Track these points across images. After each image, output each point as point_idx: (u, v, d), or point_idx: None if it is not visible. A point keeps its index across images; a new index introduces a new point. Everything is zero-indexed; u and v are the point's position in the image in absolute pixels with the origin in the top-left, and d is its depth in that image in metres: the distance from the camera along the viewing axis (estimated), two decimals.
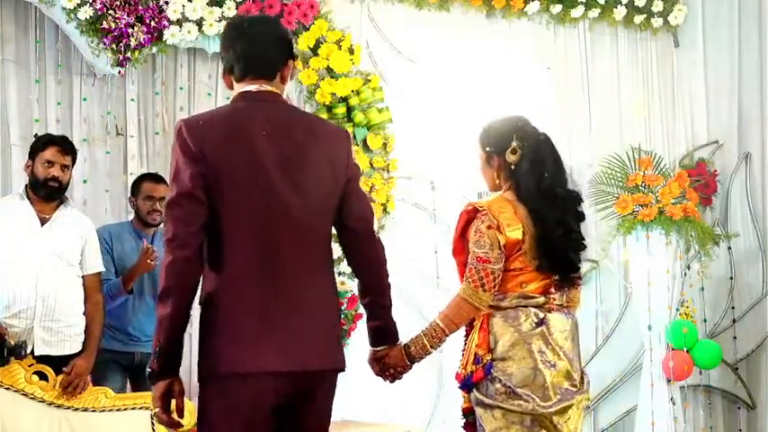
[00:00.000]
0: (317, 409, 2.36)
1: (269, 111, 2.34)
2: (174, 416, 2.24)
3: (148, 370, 2.23)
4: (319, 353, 2.32)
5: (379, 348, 2.64)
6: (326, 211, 2.39)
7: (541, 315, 2.69)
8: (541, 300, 2.71)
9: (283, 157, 2.29)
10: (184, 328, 2.23)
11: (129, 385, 4.11)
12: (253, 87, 2.36)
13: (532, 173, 2.72)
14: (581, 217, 2.81)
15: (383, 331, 2.60)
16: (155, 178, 4.22)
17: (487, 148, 2.81)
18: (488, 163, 2.82)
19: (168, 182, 2.27)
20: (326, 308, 2.38)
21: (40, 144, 3.72)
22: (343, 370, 2.40)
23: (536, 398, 2.61)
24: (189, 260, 2.20)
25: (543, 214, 2.69)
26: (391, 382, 2.74)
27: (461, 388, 2.75)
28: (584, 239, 2.79)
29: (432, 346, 2.70)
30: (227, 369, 2.21)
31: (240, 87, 2.38)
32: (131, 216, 4.32)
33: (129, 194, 4.25)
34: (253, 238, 2.25)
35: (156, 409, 2.22)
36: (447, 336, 2.71)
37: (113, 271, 4.03)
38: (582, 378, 2.75)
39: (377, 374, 2.72)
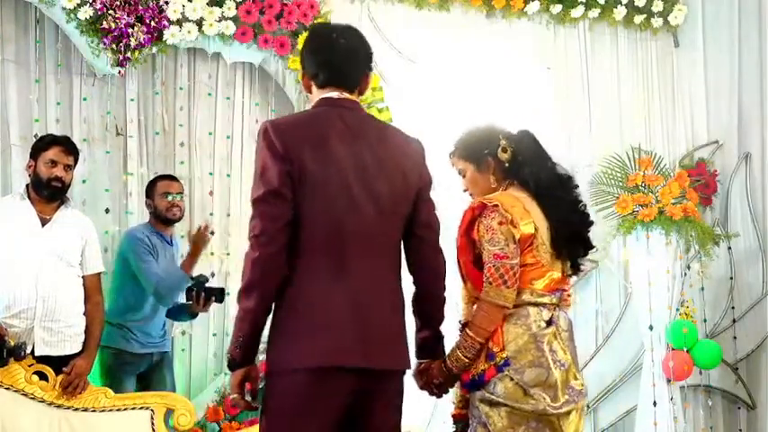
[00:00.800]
0: (386, 407, 2.43)
1: (348, 117, 2.44)
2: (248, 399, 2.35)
3: (228, 357, 2.33)
4: (388, 352, 2.41)
5: (422, 361, 2.68)
6: (397, 217, 2.47)
7: (550, 313, 2.70)
8: (548, 299, 2.71)
9: (359, 163, 2.38)
10: (266, 320, 2.33)
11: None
12: (334, 94, 2.45)
13: (535, 163, 2.76)
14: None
15: (430, 343, 2.63)
16: (168, 177, 4.26)
17: (481, 152, 2.82)
18: (480, 169, 2.83)
19: (254, 181, 2.34)
20: (394, 310, 2.46)
21: (43, 144, 3.72)
22: (409, 368, 2.51)
23: (547, 398, 2.61)
24: (276, 256, 2.28)
25: (557, 199, 2.72)
26: (437, 396, 2.76)
27: (467, 387, 2.71)
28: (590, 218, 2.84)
29: (466, 357, 2.66)
30: (302, 363, 2.28)
31: (321, 93, 2.47)
32: (128, 220, 4.38)
33: (144, 198, 4.25)
34: (329, 238, 2.33)
35: (235, 396, 2.33)
36: (480, 343, 2.66)
37: (159, 267, 4.02)
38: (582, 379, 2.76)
39: (421, 388, 2.73)
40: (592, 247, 2.83)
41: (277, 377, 2.32)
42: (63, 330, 3.62)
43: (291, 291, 2.31)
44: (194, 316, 4.21)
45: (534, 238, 2.68)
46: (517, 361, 2.62)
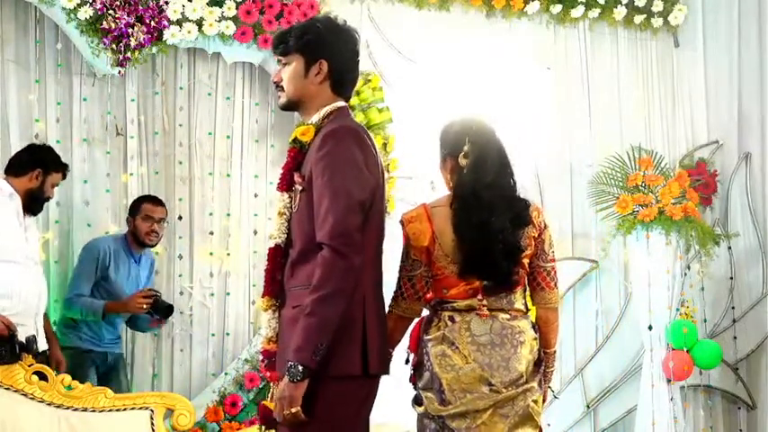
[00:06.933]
0: None
1: None
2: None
3: (301, 368, 2.20)
4: None
5: None
6: None
7: (456, 318, 2.66)
8: (462, 304, 2.66)
9: (379, 173, 2.44)
10: None
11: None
12: (345, 104, 2.49)
13: (471, 174, 2.67)
14: (521, 221, 2.68)
15: None
16: (154, 200, 4.30)
17: (443, 151, 2.79)
18: (443, 165, 2.79)
19: (334, 185, 2.26)
20: None
21: (57, 166, 3.83)
22: None
23: (435, 401, 2.62)
24: (361, 266, 2.25)
25: (465, 216, 2.63)
26: None
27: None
28: (517, 245, 2.65)
29: None
30: (363, 369, 2.32)
31: (332, 97, 2.46)
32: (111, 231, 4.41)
33: (126, 215, 4.31)
34: (379, 249, 2.43)
35: (298, 409, 2.23)
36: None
37: (90, 286, 4.11)
38: (516, 383, 2.62)
39: None
40: (502, 274, 2.64)
41: (341, 381, 2.30)
42: (41, 326, 3.77)
43: (360, 299, 2.32)
44: (151, 329, 4.31)
45: (432, 248, 2.66)
46: (418, 368, 2.71)
